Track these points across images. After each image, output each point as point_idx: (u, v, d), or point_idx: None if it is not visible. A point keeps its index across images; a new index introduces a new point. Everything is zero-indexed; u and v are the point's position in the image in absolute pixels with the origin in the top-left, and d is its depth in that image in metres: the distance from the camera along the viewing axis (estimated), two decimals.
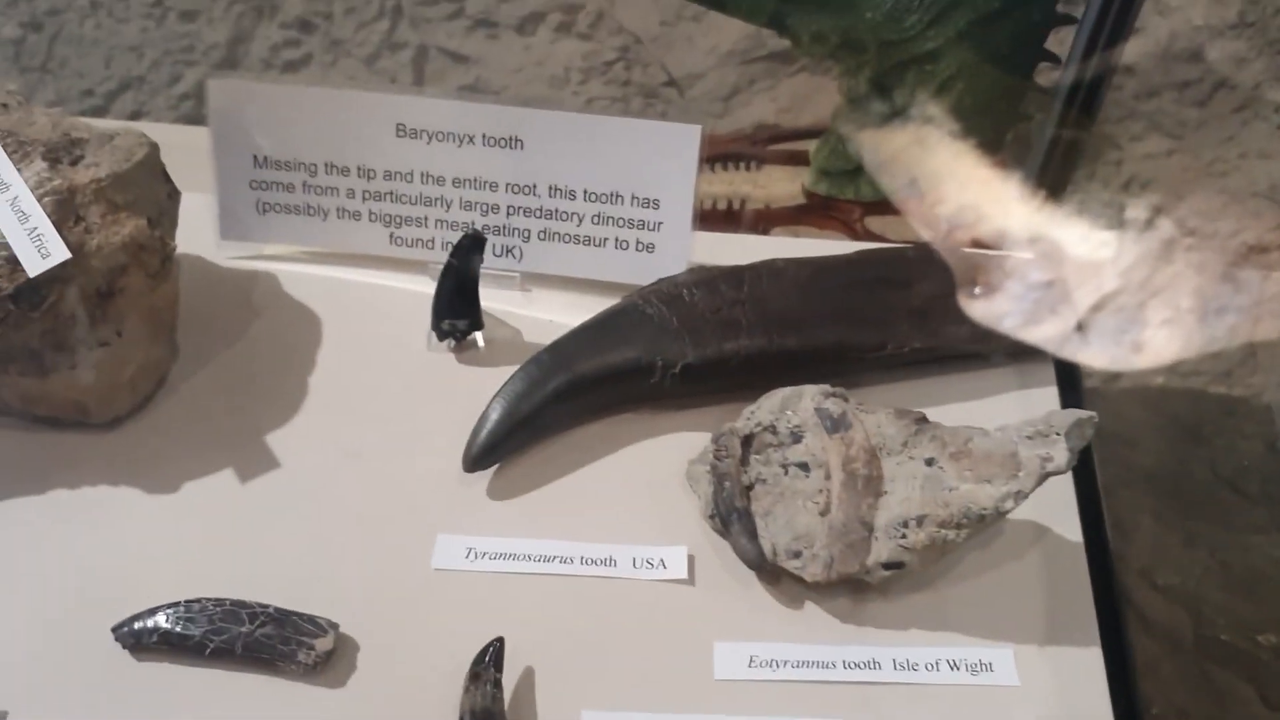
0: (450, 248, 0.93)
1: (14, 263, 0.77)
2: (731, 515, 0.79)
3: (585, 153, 0.92)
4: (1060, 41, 1.09)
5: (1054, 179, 1.22)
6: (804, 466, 0.79)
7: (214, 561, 0.79)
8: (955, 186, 1.10)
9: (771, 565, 0.78)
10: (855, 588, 0.79)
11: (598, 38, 1.73)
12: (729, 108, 1.66)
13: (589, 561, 0.80)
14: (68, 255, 0.76)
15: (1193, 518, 1.49)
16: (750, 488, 0.80)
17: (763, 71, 1.65)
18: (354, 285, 0.97)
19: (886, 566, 0.75)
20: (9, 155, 0.81)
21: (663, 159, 0.91)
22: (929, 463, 0.77)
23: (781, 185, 1.14)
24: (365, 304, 0.96)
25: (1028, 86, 1.05)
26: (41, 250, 0.76)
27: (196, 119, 1.42)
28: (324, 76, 1.73)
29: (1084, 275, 0.91)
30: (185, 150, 0.90)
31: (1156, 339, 0.93)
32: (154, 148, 0.85)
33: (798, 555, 0.77)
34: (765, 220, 1.11)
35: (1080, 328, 0.87)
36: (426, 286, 0.96)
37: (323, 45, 1.75)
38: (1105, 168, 1.61)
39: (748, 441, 0.81)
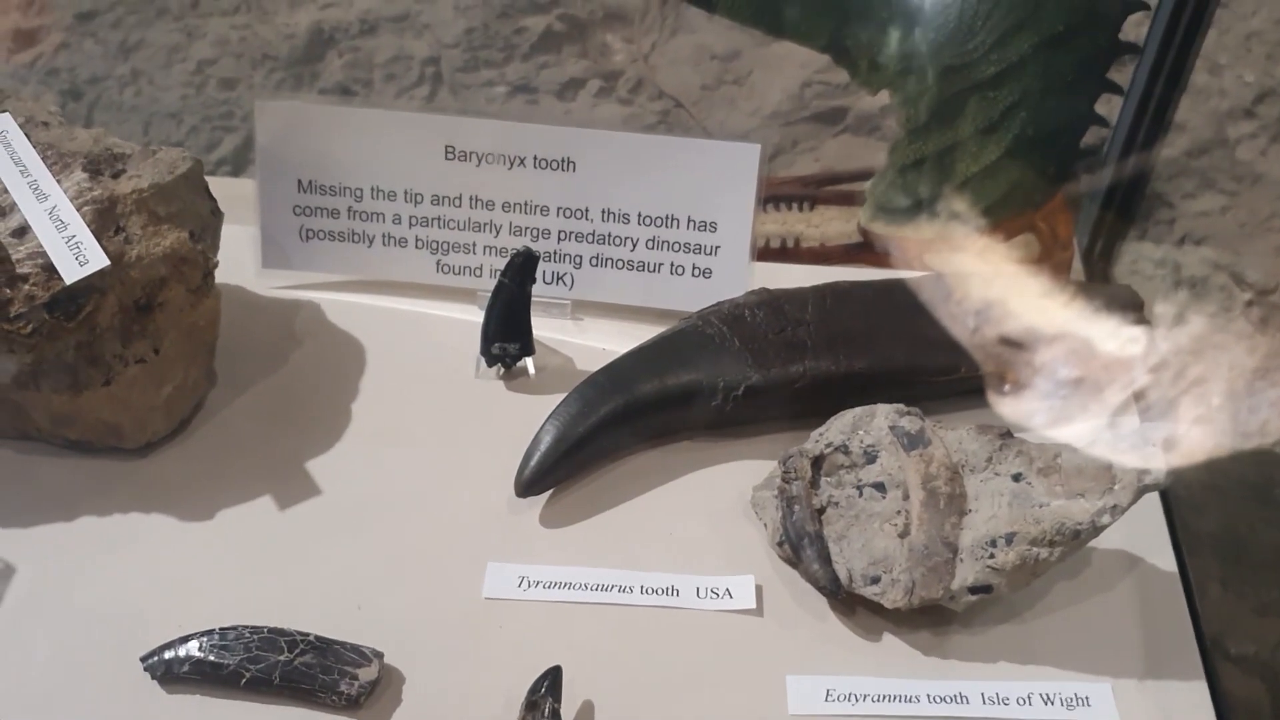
0: (498, 275, 0.90)
1: (51, 271, 0.73)
2: (803, 540, 0.74)
3: (640, 174, 0.89)
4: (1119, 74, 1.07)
5: (1116, 217, 1.19)
6: (880, 487, 0.74)
7: (251, 590, 0.75)
8: (1017, 223, 1.07)
9: (847, 592, 0.72)
10: (936, 619, 0.74)
11: (638, 102, 1.72)
12: (773, 169, 1.63)
13: (649, 591, 0.75)
14: (106, 263, 0.73)
15: (1264, 584, 1.42)
16: (822, 511, 0.75)
17: (806, 133, 1.63)
18: (399, 314, 0.94)
19: (973, 590, 0.70)
20: (49, 167, 0.79)
21: (721, 180, 0.88)
22: (1016, 478, 0.72)
23: (836, 224, 1.11)
24: (410, 333, 0.92)
25: (1090, 117, 1.02)
26: (79, 258, 0.73)
27: None
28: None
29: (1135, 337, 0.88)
30: (224, 200, 0.87)
31: (1217, 397, 0.89)
32: (197, 163, 0.82)
33: (876, 581, 0.72)
34: (820, 259, 1.08)
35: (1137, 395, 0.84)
36: (474, 315, 0.93)
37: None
38: (1157, 226, 1.57)
39: (818, 463, 0.76)
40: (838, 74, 1.65)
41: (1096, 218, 1.21)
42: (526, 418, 0.83)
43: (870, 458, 0.75)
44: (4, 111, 0.83)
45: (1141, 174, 1.16)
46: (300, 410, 0.86)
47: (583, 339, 0.92)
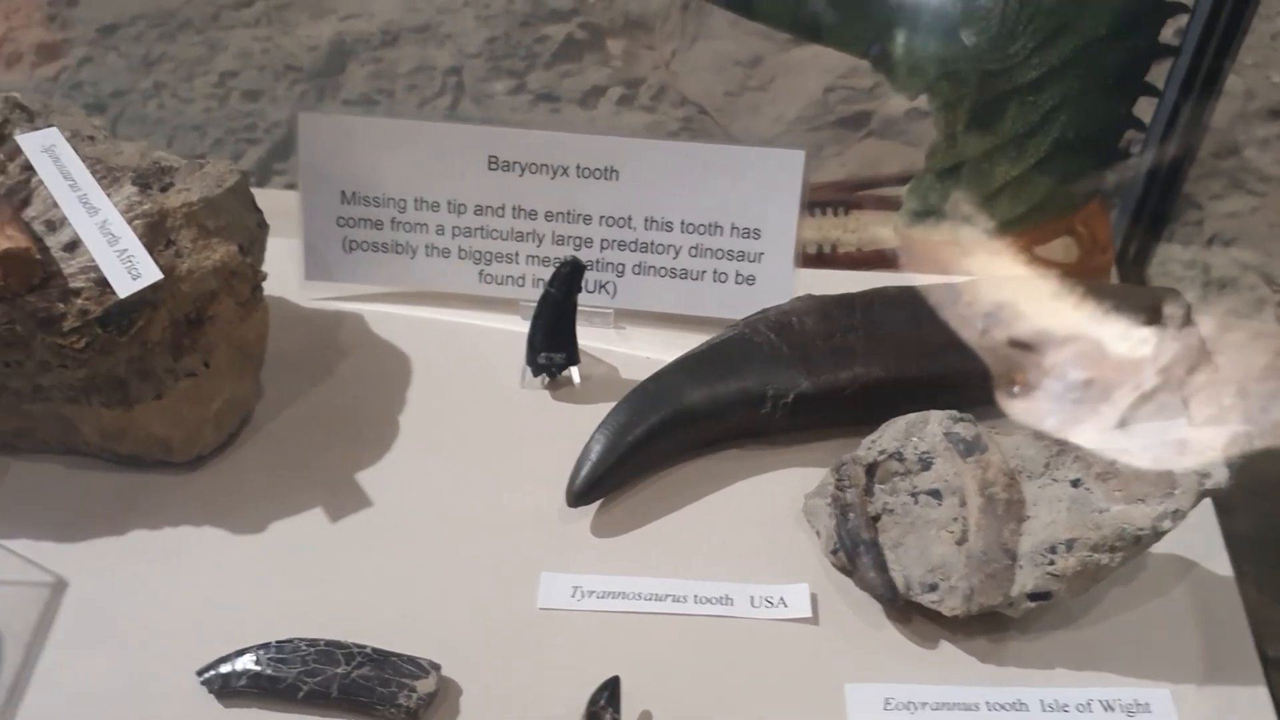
0: (541, 285, 0.90)
1: (103, 285, 0.73)
2: (858, 548, 0.73)
3: (683, 182, 0.89)
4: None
5: (1149, 219, 1.18)
6: (936, 494, 0.74)
7: (305, 603, 0.75)
8: (1055, 226, 1.06)
9: (904, 599, 0.72)
10: (993, 626, 0.73)
11: (661, 109, 1.72)
12: None
13: (703, 600, 0.75)
14: (160, 276, 0.73)
15: None
16: (877, 519, 0.75)
17: (831, 138, 1.63)
18: (442, 324, 0.93)
19: (1032, 597, 0.70)
20: (98, 181, 0.79)
21: (764, 187, 0.88)
22: (1074, 484, 0.72)
23: (872, 229, 1.11)
24: (455, 343, 0.92)
25: (1129, 120, 1.01)
26: (132, 271, 0.73)
27: None
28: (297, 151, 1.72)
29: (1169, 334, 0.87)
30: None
31: (1250, 397, 0.88)
32: (244, 176, 0.82)
33: (934, 588, 0.71)
34: (858, 264, 1.07)
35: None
36: (517, 325, 0.93)
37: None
38: (1185, 227, 1.57)
39: (871, 470, 0.76)
40: (862, 79, 1.65)
41: (1129, 220, 1.21)
42: (573, 427, 0.83)
43: (925, 464, 0.75)
44: (50, 126, 0.83)
45: (1175, 176, 1.16)
46: (347, 422, 0.86)
47: (626, 348, 0.92)
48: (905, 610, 0.74)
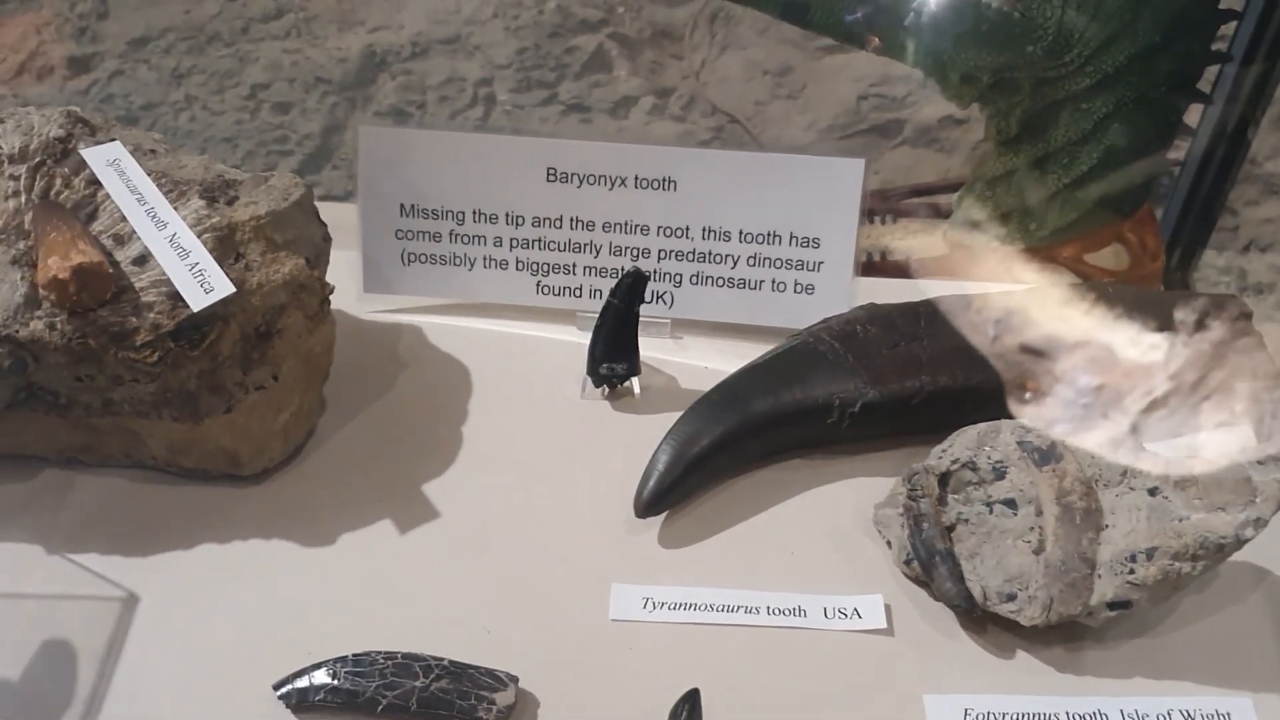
0: (599, 296, 0.90)
1: (175, 300, 0.73)
2: (934, 558, 0.73)
3: (741, 191, 0.89)
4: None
5: (1195, 225, 1.18)
6: (1011, 503, 0.74)
7: (377, 615, 0.74)
8: (1106, 234, 1.06)
9: (982, 609, 0.72)
10: (1069, 635, 0.73)
11: (691, 119, 1.72)
12: None
13: (776, 612, 0.75)
14: (233, 289, 0.73)
15: None
16: (951, 529, 0.74)
17: (863, 145, 1.63)
18: (500, 336, 0.93)
19: (1112, 606, 0.69)
20: (165, 195, 0.79)
21: (824, 195, 0.88)
22: (1152, 492, 0.71)
23: (921, 237, 1.11)
24: (513, 354, 0.92)
25: (1180, 126, 1.02)
26: (205, 285, 0.73)
27: None
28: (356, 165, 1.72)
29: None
30: None
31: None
32: (309, 189, 0.83)
33: (1012, 598, 0.71)
34: (908, 272, 1.07)
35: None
36: (574, 336, 0.93)
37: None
38: (1221, 233, 1.56)
39: (944, 480, 0.76)
40: (894, 87, 1.65)
41: (1173, 227, 1.21)
42: (636, 437, 0.83)
43: (999, 474, 0.75)
44: (114, 140, 0.83)
45: (1222, 182, 1.16)
46: (411, 434, 0.86)
47: (684, 358, 0.92)
48: (980, 621, 0.74)
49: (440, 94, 1.74)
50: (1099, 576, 0.70)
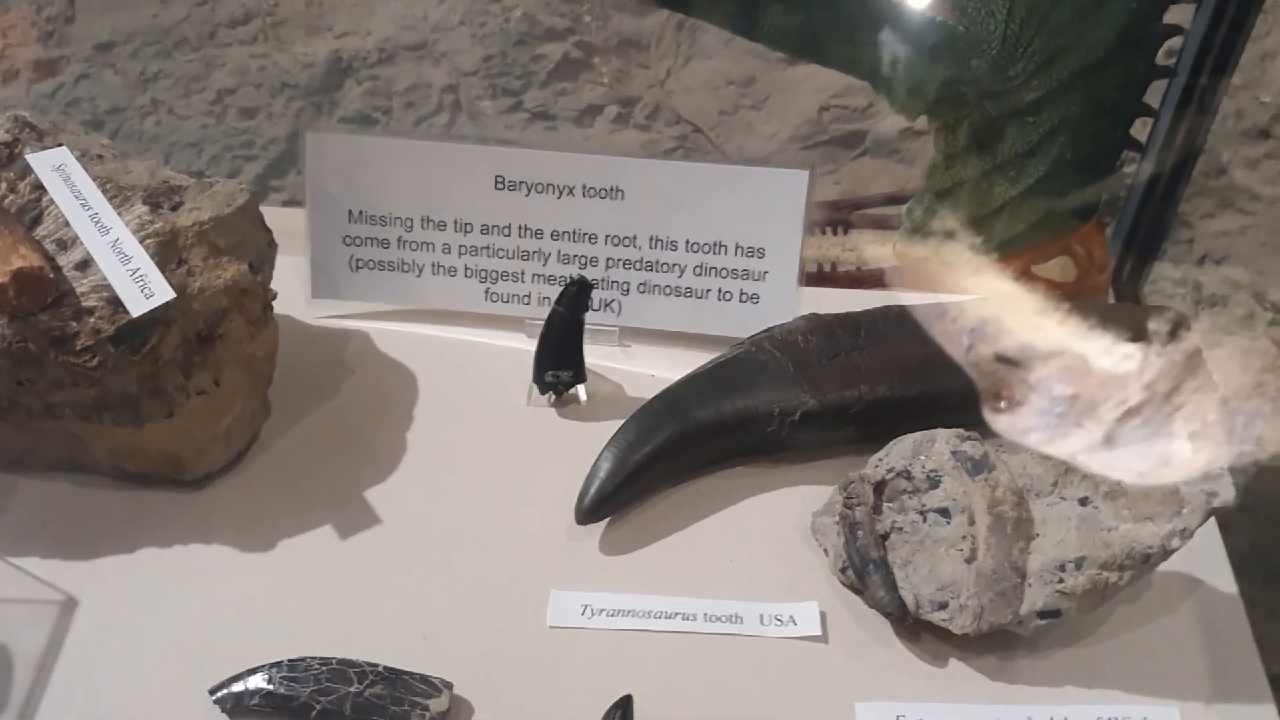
0: (547, 303, 0.90)
1: (115, 305, 0.74)
2: (867, 566, 0.74)
3: (687, 202, 0.89)
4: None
5: (1144, 238, 1.19)
6: (944, 512, 0.75)
7: (315, 621, 0.75)
8: (1053, 246, 1.07)
9: (914, 618, 0.73)
10: (1001, 643, 0.74)
11: (655, 128, 1.73)
12: None
13: (713, 619, 0.75)
14: (173, 295, 0.73)
15: None
16: (885, 537, 0.75)
17: (824, 156, 1.64)
18: (448, 343, 0.94)
19: (1042, 615, 0.70)
20: (109, 200, 0.79)
21: (768, 206, 0.89)
22: (1083, 502, 0.72)
23: (871, 248, 1.12)
24: (460, 361, 0.92)
25: (1126, 141, 1.03)
26: (145, 290, 0.73)
27: None
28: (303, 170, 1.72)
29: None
30: None
31: (1244, 415, 0.89)
32: (254, 195, 0.83)
33: (943, 606, 0.72)
34: (857, 283, 1.08)
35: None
36: (523, 343, 0.93)
37: None
38: (1176, 246, 1.58)
39: (879, 489, 0.77)
40: (855, 98, 1.67)
41: (1123, 239, 1.22)
42: (580, 445, 0.84)
43: (933, 483, 0.76)
44: (60, 145, 0.83)
45: (1170, 196, 1.17)
46: (356, 440, 0.86)
47: (631, 365, 0.92)
48: (914, 628, 0.74)
49: (406, 100, 1.75)
50: (1029, 585, 0.71)
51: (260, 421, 0.85)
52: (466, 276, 0.93)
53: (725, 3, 0.94)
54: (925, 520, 0.75)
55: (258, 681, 0.70)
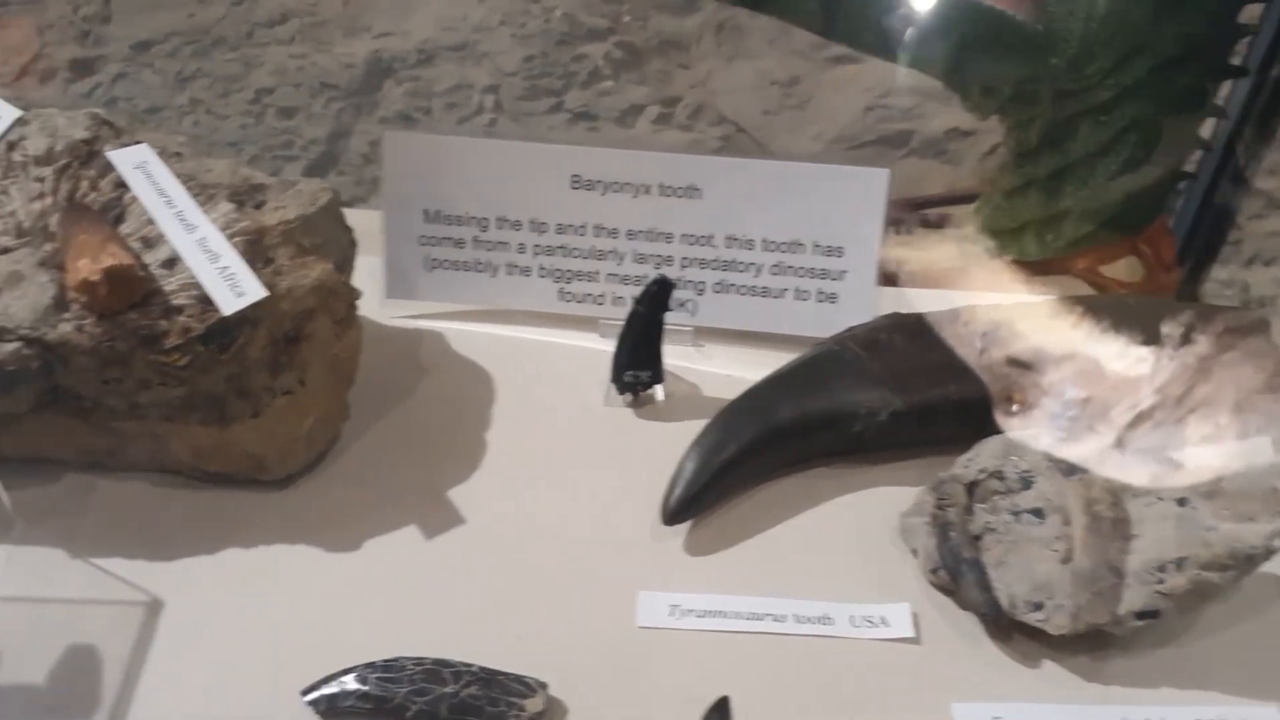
0: (620, 303, 0.90)
1: (205, 303, 0.73)
2: (961, 567, 0.73)
3: (765, 200, 0.89)
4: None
5: (1206, 238, 1.19)
6: (1038, 512, 0.74)
7: (403, 620, 0.74)
8: (1121, 246, 1.07)
9: (1009, 618, 0.72)
10: (1095, 644, 0.73)
11: (698, 128, 1.73)
12: None
13: (803, 620, 0.75)
14: (265, 293, 0.73)
15: None
16: (978, 538, 0.75)
17: (871, 156, 1.64)
18: (522, 342, 0.93)
19: (1140, 616, 0.70)
20: (193, 198, 0.78)
21: (847, 205, 0.88)
22: (1181, 502, 0.72)
23: (936, 248, 1.11)
24: (535, 361, 0.92)
25: (1195, 140, 1.02)
26: (236, 289, 0.73)
27: None
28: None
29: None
30: None
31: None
32: (335, 195, 0.82)
33: (1039, 607, 0.71)
34: (925, 283, 1.07)
35: None
36: (596, 343, 0.93)
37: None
38: (1224, 247, 1.57)
39: (971, 489, 0.76)
40: (901, 98, 1.66)
41: (1183, 239, 1.21)
42: (659, 445, 0.84)
43: (1026, 483, 0.75)
44: (139, 142, 0.83)
45: (1235, 195, 1.17)
46: (434, 439, 0.86)
47: (706, 365, 0.92)
48: (1005, 629, 0.74)
49: (447, 101, 1.74)
50: (1128, 586, 0.70)
51: (341, 422, 0.85)
52: (541, 276, 0.93)
53: (805, 1, 0.93)
54: (1018, 520, 0.74)
55: (352, 683, 0.70)
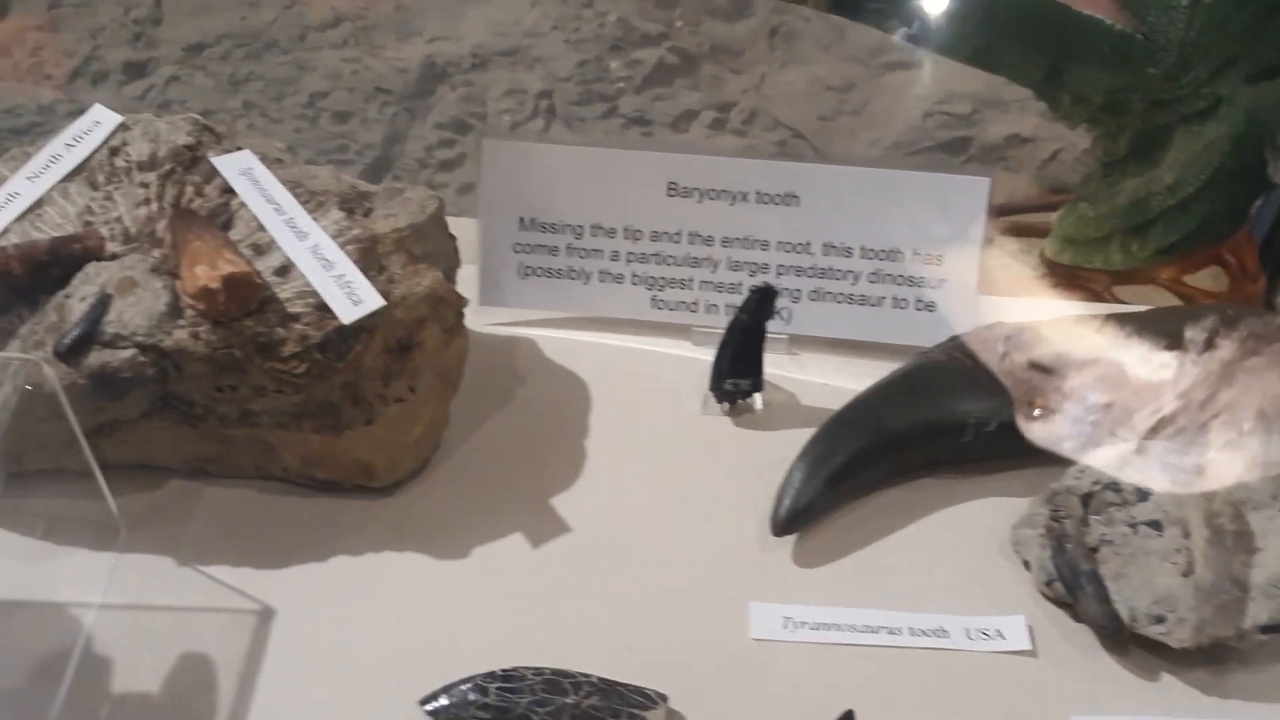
0: (715, 311, 0.90)
1: (322, 311, 0.73)
2: (1079, 579, 0.73)
3: (864, 208, 0.89)
4: None
5: None
6: (1156, 525, 0.74)
7: (514, 629, 0.74)
8: (1204, 255, 1.07)
9: (1129, 632, 0.72)
10: (1214, 657, 0.73)
11: (753, 133, 1.72)
12: None
13: (918, 632, 0.74)
14: (383, 302, 0.73)
15: None
16: (1094, 550, 0.74)
17: (929, 163, 1.63)
18: (614, 350, 0.93)
19: (1265, 630, 0.69)
20: (302, 205, 0.78)
21: (947, 213, 0.88)
22: None
23: (1017, 256, 1.11)
24: (628, 368, 0.92)
25: None
26: (353, 298, 0.73)
27: None
28: (479, 176, 1.71)
29: None
30: None
31: None
32: (442, 203, 0.82)
33: (1160, 620, 0.71)
34: (1003, 291, 1.07)
35: None
36: (689, 351, 0.93)
37: (477, 145, 1.74)
38: None
39: (1086, 501, 0.76)
40: (959, 104, 1.66)
41: (1261, 248, 1.21)
42: (760, 454, 0.83)
43: (1142, 495, 0.75)
44: (241, 149, 0.83)
45: None
46: (534, 446, 0.85)
47: (802, 374, 0.92)
48: (1123, 642, 0.73)
49: (501, 106, 1.74)
50: (1252, 599, 0.70)
51: (442, 429, 0.84)
52: (634, 284, 0.92)
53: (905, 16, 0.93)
54: (1136, 533, 0.74)
55: (472, 692, 0.69)
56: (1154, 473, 0.77)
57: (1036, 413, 0.82)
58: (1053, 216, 1.12)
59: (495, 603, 0.76)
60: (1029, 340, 0.84)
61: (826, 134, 1.68)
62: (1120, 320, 0.86)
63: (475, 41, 1.79)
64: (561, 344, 0.93)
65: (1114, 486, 0.76)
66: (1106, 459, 0.78)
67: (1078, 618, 0.74)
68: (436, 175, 1.72)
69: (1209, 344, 0.83)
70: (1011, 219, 1.15)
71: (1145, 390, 0.81)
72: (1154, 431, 0.80)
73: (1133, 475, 0.75)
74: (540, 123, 1.74)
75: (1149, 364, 0.83)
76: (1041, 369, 0.83)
